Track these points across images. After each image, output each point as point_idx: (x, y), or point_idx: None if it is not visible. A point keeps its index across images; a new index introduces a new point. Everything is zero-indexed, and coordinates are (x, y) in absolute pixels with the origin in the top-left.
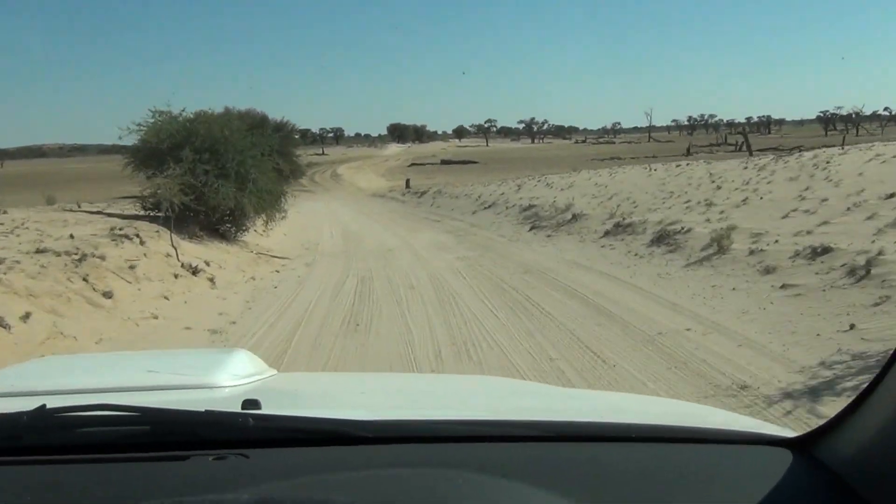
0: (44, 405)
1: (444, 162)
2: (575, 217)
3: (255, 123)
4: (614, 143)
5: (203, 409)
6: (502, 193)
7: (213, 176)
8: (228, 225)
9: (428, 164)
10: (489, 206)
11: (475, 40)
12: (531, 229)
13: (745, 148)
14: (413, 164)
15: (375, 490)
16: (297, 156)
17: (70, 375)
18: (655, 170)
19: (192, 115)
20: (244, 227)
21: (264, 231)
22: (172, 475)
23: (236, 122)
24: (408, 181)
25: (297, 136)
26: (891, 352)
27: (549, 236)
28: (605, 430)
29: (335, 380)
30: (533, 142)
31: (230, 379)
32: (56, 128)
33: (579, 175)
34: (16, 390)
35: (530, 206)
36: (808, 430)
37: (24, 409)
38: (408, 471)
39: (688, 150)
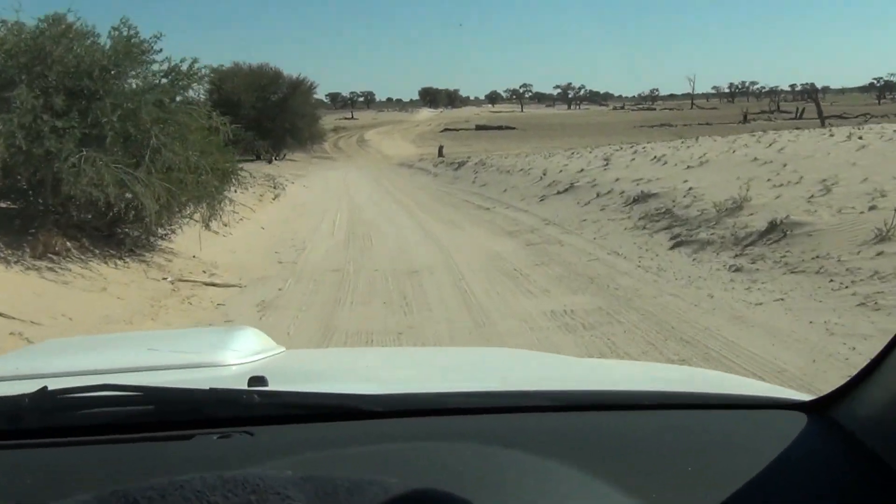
0: (45, 387)
1: (478, 127)
2: (783, 229)
3: (267, 81)
4: (654, 109)
5: (207, 388)
6: (581, 171)
7: (71, 140)
8: (127, 229)
9: (462, 129)
10: (565, 190)
11: (509, 4)
12: (676, 245)
13: (802, 116)
14: (446, 130)
15: (384, 464)
16: (318, 118)
17: (73, 357)
18: (858, 139)
19: (41, 25)
20: (165, 230)
21: (223, 227)
22: (176, 455)
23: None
24: (441, 149)
25: (314, 96)
26: None
27: (734, 267)
28: (618, 398)
29: (344, 355)
30: (569, 108)
31: (237, 357)
32: None
33: (681, 146)
34: (18, 374)
35: (645, 196)
36: (824, 393)
37: (26, 392)
38: (416, 444)
39: (744, 117)
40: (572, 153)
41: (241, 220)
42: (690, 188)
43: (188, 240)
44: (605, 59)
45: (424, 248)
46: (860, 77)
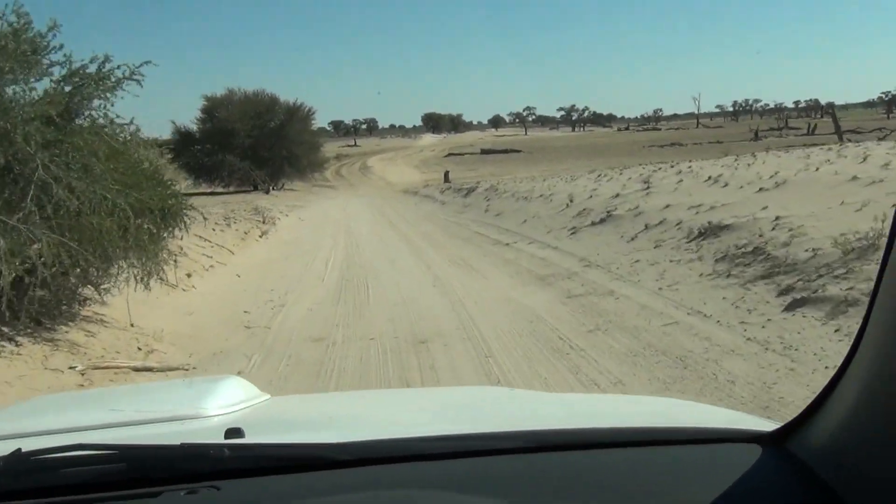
0: (19, 449)
1: (484, 151)
2: None
3: (263, 108)
4: (660, 129)
5: (180, 443)
6: (616, 196)
7: None
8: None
9: (466, 153)
10: (602, 221)
11: (509, 28)
12: (792, 305)
13: (814, 132)
14: (450, 155)
15: None
16: (319, 146)
17: (55, 414)
18: None
19: None
20: (91, 290)
21: (186, 277)
22: None
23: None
24: (447, 174)
25: (314, 122)
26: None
27: None
28: (580, 437)
29: (327, 401)
30: (573, 130)
31: (219, 407)
32: None
33: (738, 165)
34: (1, 433)
35: (716, 229)
36: (781, 423)
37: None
38: (381, 492)
39: (755, 134)
40: (599, 175)
41: (211, 267)
42: (778, 217)
43: (131, 301)
44: (607, 80)
45: (434, 301)
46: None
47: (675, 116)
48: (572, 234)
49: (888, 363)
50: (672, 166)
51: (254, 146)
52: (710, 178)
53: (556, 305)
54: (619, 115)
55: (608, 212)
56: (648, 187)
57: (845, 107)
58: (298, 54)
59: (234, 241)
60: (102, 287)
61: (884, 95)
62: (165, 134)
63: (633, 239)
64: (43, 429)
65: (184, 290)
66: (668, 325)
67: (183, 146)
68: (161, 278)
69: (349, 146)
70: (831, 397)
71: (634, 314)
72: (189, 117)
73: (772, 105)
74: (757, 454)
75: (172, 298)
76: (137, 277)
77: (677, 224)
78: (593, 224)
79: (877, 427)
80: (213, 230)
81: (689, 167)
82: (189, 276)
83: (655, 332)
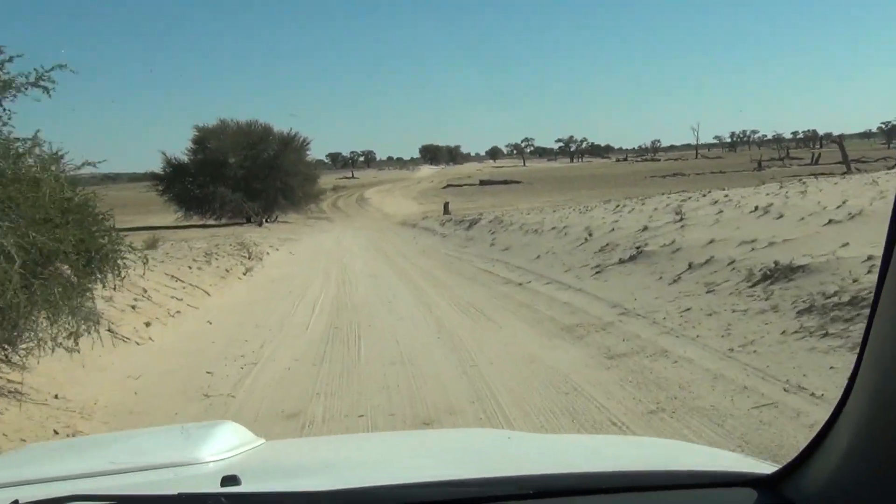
0: (16, 501)
1: (482, 182)
2: None
3: (256, 138)
4: (658, 160)
5: (176, 492)
6: (644, 228)
7: None
8: None
9: (465, 185)
10: (632, 258)
11: (506, 60)
12: None
13: (818, 161)
14: (448, 186)
15: None
16: (315, 177)
17: (49, 463)
18: None
19: None
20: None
21: (144, 327)
22: None
23: None
24: (446, 205)
25: (308, 152)
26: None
27: None
28: (581, 482)
29: (324, 445)
30: (571, 161)
31: (213, 453)
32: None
33: (790, 193)
34: None
35: (787, 271)
36: (779, 467)
37: None
38: None
39: (759, 164)
40: (617, 206)
41: (178, 312)
42: (870, 257)
43: (64, 362)
44: (604, 111)
45: (440, 359)
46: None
47: (672, 148)
48: (597, 273)
49: (883, 408)
50: (704, 195)
51: (246, 177)
52: (756, 208)
53: (596, 370)
54: (616, 146)
55: (638, 247)
56: (682, 219)
57: (843, 137)
58: (295, 86)
59: (212, 279)
60: (21, 347)
61: (883, 126)
62: (157, 167)
63: (675, 281)
64: (37, 477)
65: (138, 343)
66: (763, 408)
67: (174, 178)
68: (91, 333)
69: (346, 178)
70: (827, 440)
71: (707, 387)
72: (181, 149)
73: (770, 136)
74: (753, 498)
75: (121, 355)
76: (53, 339)
77: (730, 263)
78: (622, 262)
79: (873, 471)
80: (191, 268)
81: (727, 196)
82: (148, 324)
83: (746, 418)
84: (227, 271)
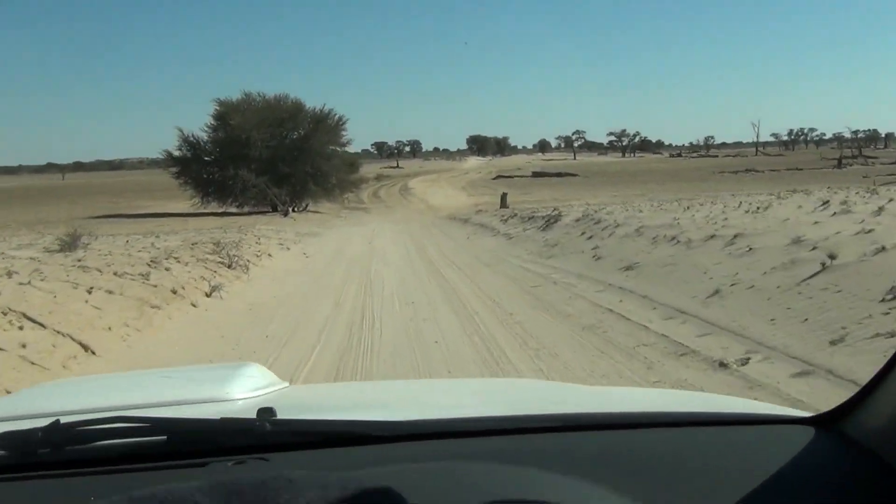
0: (57, 420)
1: (535, 174)
2: None
3: (286, 114)
4: (716, 156)
5: (219, 417)
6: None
7: None
8: None
9: (516, 176)
10: None
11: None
12: None
13: None
14: (499, 177)
15: (398, 483)
16: (354, 162)
17: (81, 396)
18: None
19: None
20: None
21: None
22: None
23: None
24: (504, 196)
25: (344, 132)
26: None
27: None
28: (624, 419)
29: (350, 388)
30: (623, 155)
31: (243, 391)
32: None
33: None
34: (30, 412)
35: None
36: (831, 407)
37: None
38: (429, 464)
39: (839, 162)
40: (775, 197)
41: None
42: None
43: None
44: (653, 106)
45: None
46: None
47: (723, 145)
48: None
49: None
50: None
51: (272, 159)
52: None
53: None
54: (666, 143)
55: None
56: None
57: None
58: (340, 72)
59: (121, 317)
60: None
61: None
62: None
63: None
64: (73, 408)
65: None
66: None
67: (190, 159)
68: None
69: (391, 167)
70: (886, 380)
71: None
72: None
73: (829, 135)
74: (809, 436)
75: None
76: None
77: None
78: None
79: None
80: (91, 291)
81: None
82: None
83: None
84: (173, 293)
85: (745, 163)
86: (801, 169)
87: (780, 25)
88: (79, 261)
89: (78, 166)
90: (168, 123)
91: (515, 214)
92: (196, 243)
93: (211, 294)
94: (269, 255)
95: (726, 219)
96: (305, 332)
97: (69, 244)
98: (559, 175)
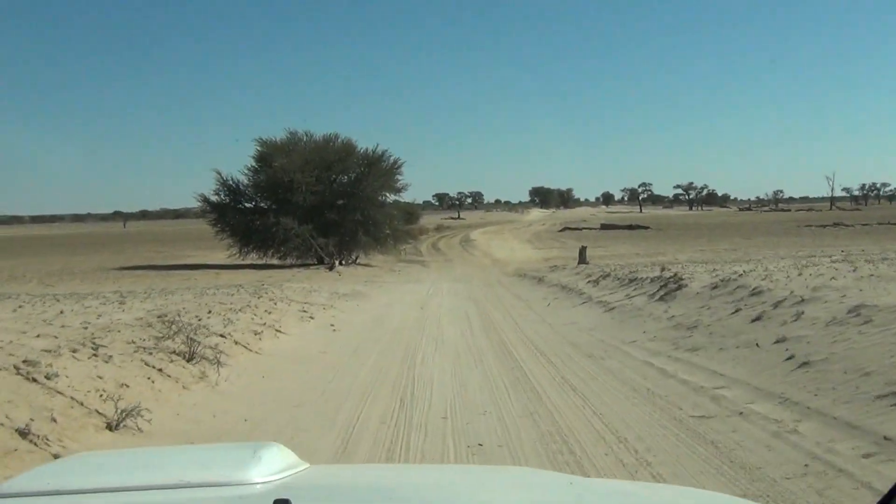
0: None
1: (604, 227)
2: None
3: (335, 156)
4: (789, 210)
5: None
6: None
7: None
8: None
9: (584, 228)
10: None
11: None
12: None
13: None
14: (565, 229)
15: None
16: (414, 212)
17: (102, 474)
18: None
19: None
20: None
21: None
22: None
23: None
24: (583, 251)
25: (399, 176)
26: None
27: None
28: None
29: (367, 473)
30: (690, 208)
31: (262, 475)
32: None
33: None
34: (50, 489)
35: None
36: None
37: None
38: None
39: None
40: None
41: None
42: None
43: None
44: (719, 159)
45: None
46: None
47: (791, 199)
48: None
49: None
50: None
51: (318, 206)
52: None
53: None
54: (732, 196)
55: None
56: None
57: None
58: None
59: None
60: None
61: None
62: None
63: None
64: (88, 487)
65: None
66: None
67: (227, 205)
68: None
69: (452, 218)
70: None
71: None
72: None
73: None
74: None
75: None
76: None
77: None
78: None
79: None
80: None
81: None
82: None
83: None
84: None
85: (828, 217)
86: (892, 223)
87: (847, 78)
88: None
89: (143, 214)
90: (229, 170)
91: (608, 274)
92: (164, 315)
93: (117, 426)
94: (278, 330)
95: None
96: None
97: None
98: (630, 227)
